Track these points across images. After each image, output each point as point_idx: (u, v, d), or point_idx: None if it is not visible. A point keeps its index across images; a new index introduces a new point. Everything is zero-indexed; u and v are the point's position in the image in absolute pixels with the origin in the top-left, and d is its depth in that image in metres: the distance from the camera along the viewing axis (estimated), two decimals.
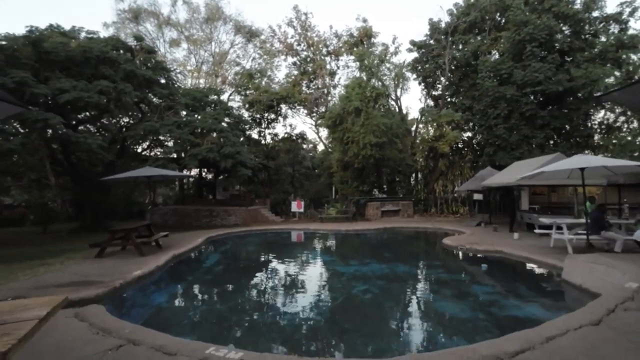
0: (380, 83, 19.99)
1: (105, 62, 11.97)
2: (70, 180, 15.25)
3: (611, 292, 4.37)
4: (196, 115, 17.06)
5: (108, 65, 12.03)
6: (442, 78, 21.68)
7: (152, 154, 17.22)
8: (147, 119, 14.23)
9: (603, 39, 17.64)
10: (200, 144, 15.10)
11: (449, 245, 9.47)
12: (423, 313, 4.99)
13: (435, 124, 19.48)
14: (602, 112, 19.11)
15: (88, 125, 15.04)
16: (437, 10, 47.65)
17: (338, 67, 25.31)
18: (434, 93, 23.15)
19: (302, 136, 26.23)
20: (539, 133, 15.70)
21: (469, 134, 20.87)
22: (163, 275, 6.85)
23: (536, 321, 3.90)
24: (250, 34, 27.84)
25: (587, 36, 17.75)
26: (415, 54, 22.48)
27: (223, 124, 17.38)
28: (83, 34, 12.97)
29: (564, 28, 17.23)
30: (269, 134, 25.05)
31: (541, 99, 16.32)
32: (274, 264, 8.92)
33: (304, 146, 28.73)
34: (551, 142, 16.72)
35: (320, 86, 24.92)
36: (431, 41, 21.91)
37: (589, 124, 17.95)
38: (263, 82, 25.03)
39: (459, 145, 20.82)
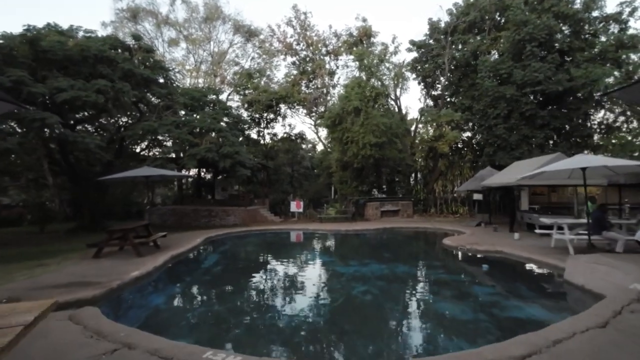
0: (379, 83, 19.92)
1: (103, 61, 11.87)
2: (68, 180, 15.14)
3: (615, 293, 4.31)
4: (195, 115, 16.96)
5: (106, 64, 11.94)
6: (441, 78, 21.64)
7: (151, 153, 17.11)
8: (145, 119, 14.13)
9: (603, 38, 17.60)
10: (199, 144, 15.00)
11: (449, 246, 9.40)
12: (423, 314, 4.92)
13: (434, 124, 19.43)
14: (602, 112, 19.11)
15: (86, 125, 14.94)
16: (437, 10, 47.56)
17: (337, 67, 25.24)
18: (433, 93, 23.11)
19: (301, 136, 26.14)
20: (539, 133, 15.66)
21: (468, 134, 20.81)
22: (161, 276, 6.78)
23: (539, 322, 3.85)
24: (249, 34, 27.72)
25: (586, 36, 17.72)
26: (414, 54, 22.47)
27: (222, 123, 17.27)
28: (81, 33, 12.89)
29: (563, 28, 17.19)
30: (268, 133, 25.00)
31: (541, 98, 16.28)
32: (273, 264, 8.85)
33: (303, 146, 28.64)
34: (551, 142, 16.68)
35: (319, 86, 24.82)
36: (431, 41, 21.86)
37: (589, 124, 17.94)
38: (262, 82, 24.91)
39: (459, 145, 20.76)
